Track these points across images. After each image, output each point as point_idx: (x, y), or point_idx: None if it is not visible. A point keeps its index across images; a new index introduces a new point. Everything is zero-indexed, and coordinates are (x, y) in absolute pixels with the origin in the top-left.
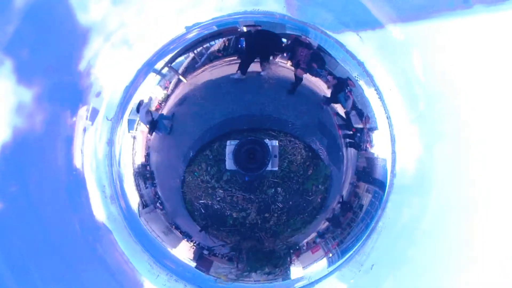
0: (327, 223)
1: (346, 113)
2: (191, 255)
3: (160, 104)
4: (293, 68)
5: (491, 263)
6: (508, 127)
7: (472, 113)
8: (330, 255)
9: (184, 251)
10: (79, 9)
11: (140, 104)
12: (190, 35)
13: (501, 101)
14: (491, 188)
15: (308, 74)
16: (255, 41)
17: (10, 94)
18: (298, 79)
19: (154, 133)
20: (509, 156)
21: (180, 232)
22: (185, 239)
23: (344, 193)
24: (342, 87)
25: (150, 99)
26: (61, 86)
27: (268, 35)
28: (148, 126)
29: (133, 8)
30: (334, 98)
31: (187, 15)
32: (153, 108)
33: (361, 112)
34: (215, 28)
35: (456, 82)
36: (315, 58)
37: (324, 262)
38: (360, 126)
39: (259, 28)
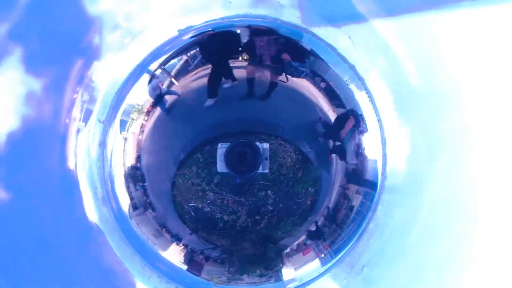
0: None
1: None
2: (182, 258)
3: (152, 106)
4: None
5: (485, 265)
6: (505, 128)
7: (466, 114)
8: (322, 255)
9: (175, 254)
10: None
11: (153, 76)
12: (185, 37)
13: (500, 101)
14: (483, 188)
15: (286, 75)
16: (210, 48)
17: (18, 84)
18: (272, 84)
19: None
20: (502, 157)
21: (171, 235)
22: (176, 242)
23: (330, 204)
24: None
25: (163, 74)
26: (68, 78)
27: (221, 37)
28: (153, 99)
29: (129, 9)
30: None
31: (182, 18)
32: (163, 85)
33: (361, 152)
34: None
35: (450, 83)
36: (284, 48)
37: (316, 263)
38: (354, 162)
39: (211, 32)
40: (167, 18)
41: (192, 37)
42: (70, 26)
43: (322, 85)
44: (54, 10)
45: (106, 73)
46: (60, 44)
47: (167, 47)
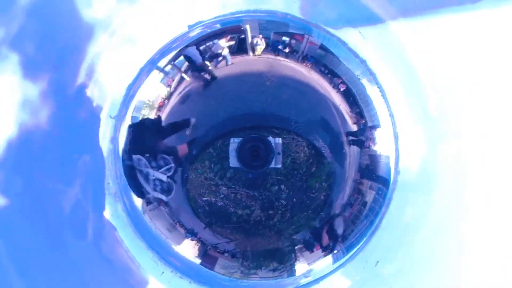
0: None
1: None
2: (196, 252)
3: (163, 101)
4: None
5: (494, 262)
6: None
7: (476, 111)
8: (335, 251)
9: (188, 248)
10: (84, 6)
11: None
12: (193, 33)
13: (506, 100)
14: (494, 187)
15: None
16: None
17: (16, 90)
18: None
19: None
20: None
21: (184, 230)
22: (189, 237)
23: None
24: None
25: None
26: (65, 83)
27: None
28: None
29: (136, 6)
30: None
31: (190, 14)
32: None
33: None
34: (218, 26)
35: (460, 79)
36: None
37: (328, 258)
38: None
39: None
40: (177, 13)
41: (201, 32)
42: (67, 31)
43: (341, 88)
44: (50, 16)
45: (115, 69)
46: (60, 47)
47: (177, 43)
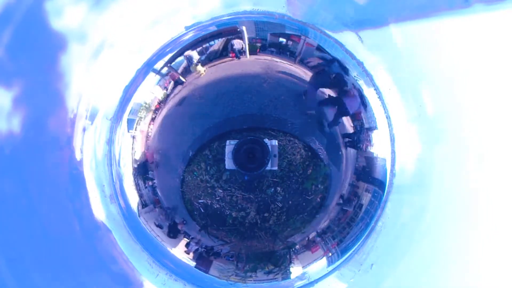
0: (326, 222)
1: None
2: (191, 255)
3: (160, 103)
4: None
5: (491, 263)
6: (508, 126)
7: (471, 112)
8: (330, 254)
9: (183, 251)
10: (56, 13)
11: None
12: (190, 35)
13: (500, 100)
14: (490, 188)
15: None
16: None
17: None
18: None
19: None
20: (508, 155)
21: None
22: (185, 239)
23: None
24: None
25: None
26: (39, 90)
27: None
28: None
29: (132, 7)
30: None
31: (184, 15)
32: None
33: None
34: (214, 28)
35: (455, 81)
36: None
37: (323, 261)
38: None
39: None
40: (172, 15)
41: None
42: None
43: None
44: (23, 23)
45: (112, 71)
46: (33, 54)
47: (174, 45)
